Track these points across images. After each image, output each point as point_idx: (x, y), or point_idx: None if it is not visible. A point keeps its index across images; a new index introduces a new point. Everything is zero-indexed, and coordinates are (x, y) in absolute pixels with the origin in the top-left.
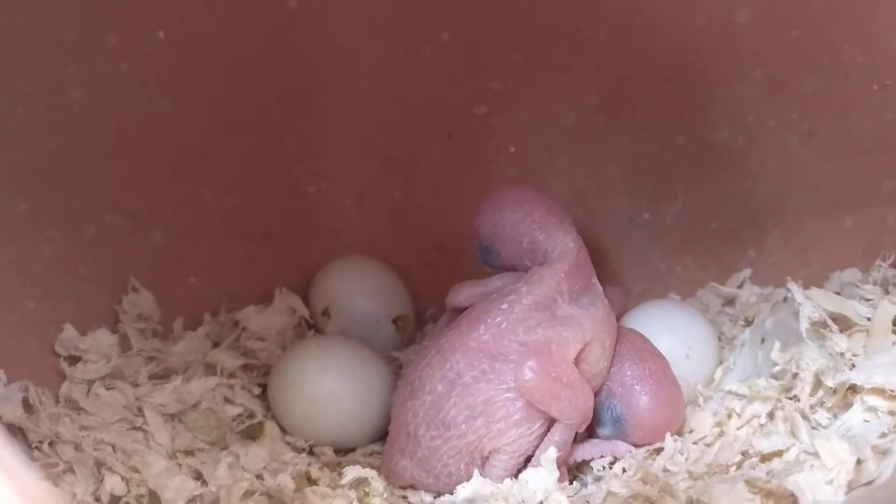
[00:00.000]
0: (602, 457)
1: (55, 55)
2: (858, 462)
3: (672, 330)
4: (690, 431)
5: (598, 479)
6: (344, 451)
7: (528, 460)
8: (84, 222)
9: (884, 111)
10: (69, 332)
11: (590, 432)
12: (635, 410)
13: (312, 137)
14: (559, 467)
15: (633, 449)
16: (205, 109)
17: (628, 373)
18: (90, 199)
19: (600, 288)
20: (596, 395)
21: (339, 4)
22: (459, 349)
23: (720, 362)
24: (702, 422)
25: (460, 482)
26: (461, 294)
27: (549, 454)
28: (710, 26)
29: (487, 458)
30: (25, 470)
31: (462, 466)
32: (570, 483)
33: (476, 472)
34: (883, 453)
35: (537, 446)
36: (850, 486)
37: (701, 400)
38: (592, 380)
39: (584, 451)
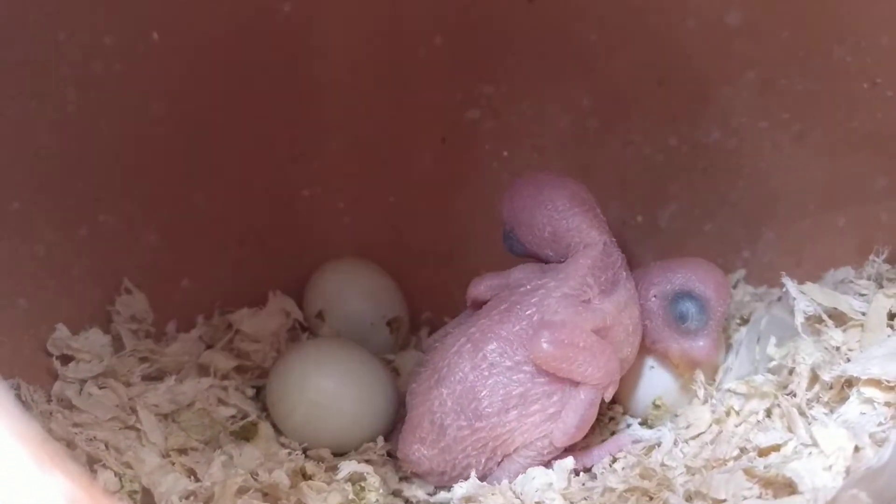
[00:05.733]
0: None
1: (50, 55)
2: (857, 449)
3: None
4: (687, 427)
5: (594, 477)
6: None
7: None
8: (77, 222)
9: (874, 109)
10: (62, 331)
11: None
12: (703, 279)
13: (306, 141)
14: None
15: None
16: (198, 111)
17: (669, 273)
18: (84, 198)
19: (627, 273)
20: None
21: (332, 8)
22: (493, 339)
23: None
24: (700, 418)
25: None
26: (481, 286)
27: (566, 463)
28: (701, 29)
29: (510, 455)
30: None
31: (483, 460)
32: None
33: (473, 474)
34: (880, 442)
35: None
36: (849, 473)
37: (701, 393)
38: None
39: (594, 455)
